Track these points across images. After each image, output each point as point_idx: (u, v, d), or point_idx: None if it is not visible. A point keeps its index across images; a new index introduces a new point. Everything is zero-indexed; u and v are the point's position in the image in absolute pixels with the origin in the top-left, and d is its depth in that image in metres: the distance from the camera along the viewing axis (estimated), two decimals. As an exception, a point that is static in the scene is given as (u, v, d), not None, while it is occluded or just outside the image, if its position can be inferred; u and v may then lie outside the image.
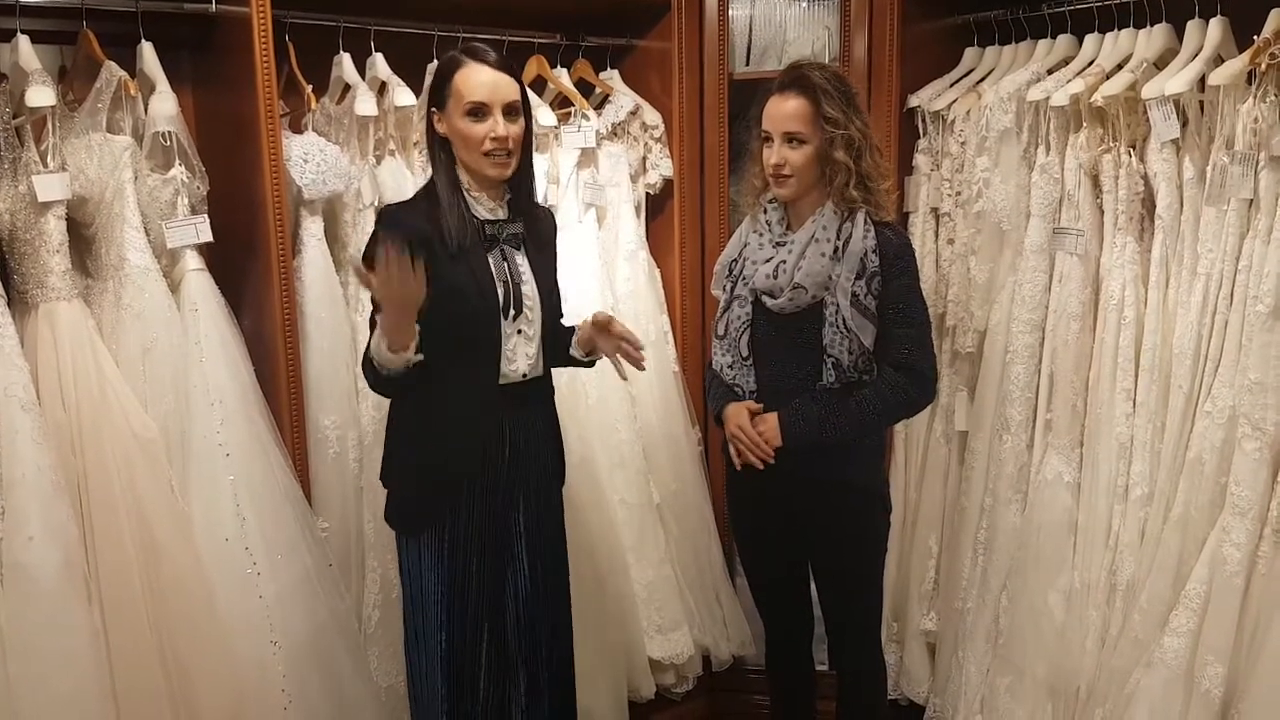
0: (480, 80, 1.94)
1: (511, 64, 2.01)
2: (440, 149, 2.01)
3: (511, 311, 2.00)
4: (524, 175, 2.06)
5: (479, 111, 1.94)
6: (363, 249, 2.05)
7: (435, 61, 2.34)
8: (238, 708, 2.07)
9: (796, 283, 2.09)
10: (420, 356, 1.88)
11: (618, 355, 2.12)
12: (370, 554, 2.40)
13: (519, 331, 2.03)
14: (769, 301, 2.14)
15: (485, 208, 2.02)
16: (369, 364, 1.95)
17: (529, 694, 2.17)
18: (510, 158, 1.98)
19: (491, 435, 2.03)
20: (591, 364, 2.21)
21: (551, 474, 2.18)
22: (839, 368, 2.08)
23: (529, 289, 2.03)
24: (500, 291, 1.99)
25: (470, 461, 2.02)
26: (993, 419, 2.63)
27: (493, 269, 1.99)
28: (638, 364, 2.11)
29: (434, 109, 2.00)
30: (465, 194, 2.00)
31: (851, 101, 2.09)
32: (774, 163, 2.09)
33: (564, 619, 2.23)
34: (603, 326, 2.09)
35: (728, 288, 2.24)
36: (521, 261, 2.04)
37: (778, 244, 2.17)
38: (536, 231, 2.10)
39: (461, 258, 1.95)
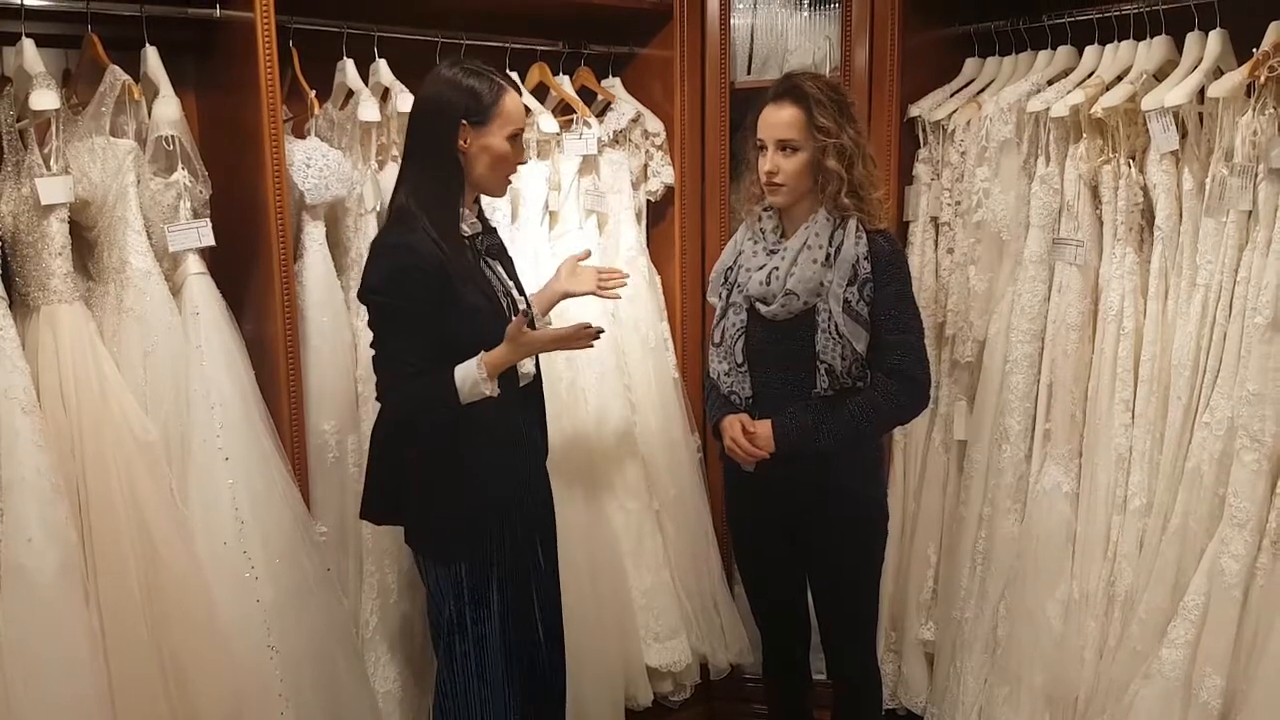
0: (520, 109, 2.02)
1: None
2: (454, 164, 1.98)
3: (511, 317, 2.03)
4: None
5: (516, 137, 2.02)
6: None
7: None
8: (235, 711, 2.06)
9: (789, 289, 2.10)
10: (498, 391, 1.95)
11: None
12: (368, 559, 2.40)
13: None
14: (763, 308, 2.15)
15: (468, 224, 2.06)
16: (436, 402, 1.93)
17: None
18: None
19: (526, 439, 2.11)
20: None
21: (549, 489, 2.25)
22: (832, 374, 2.09)
23: (515, 292, 2.12)
24: (502, 299, 2.06)
25: (518, 469, 2.08)
26: (991, 428, 2.63)
27: (491, 279, 2.06)
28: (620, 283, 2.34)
29: (465, 122, 1.94)
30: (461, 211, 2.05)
31: (845, 111, 2.11)
32: (767, 170, 2.12)
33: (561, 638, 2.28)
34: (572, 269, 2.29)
35: (723, 295, 2.25)
36: (500, 269, 2.12)
37: (771, 251, 2.18)
38: (499, 241, 2.18)
39: (468, 276, 2.00)
